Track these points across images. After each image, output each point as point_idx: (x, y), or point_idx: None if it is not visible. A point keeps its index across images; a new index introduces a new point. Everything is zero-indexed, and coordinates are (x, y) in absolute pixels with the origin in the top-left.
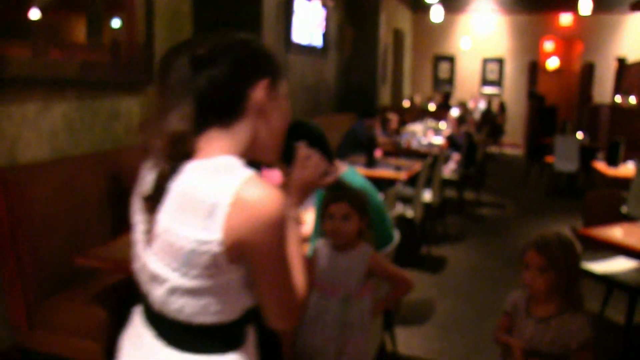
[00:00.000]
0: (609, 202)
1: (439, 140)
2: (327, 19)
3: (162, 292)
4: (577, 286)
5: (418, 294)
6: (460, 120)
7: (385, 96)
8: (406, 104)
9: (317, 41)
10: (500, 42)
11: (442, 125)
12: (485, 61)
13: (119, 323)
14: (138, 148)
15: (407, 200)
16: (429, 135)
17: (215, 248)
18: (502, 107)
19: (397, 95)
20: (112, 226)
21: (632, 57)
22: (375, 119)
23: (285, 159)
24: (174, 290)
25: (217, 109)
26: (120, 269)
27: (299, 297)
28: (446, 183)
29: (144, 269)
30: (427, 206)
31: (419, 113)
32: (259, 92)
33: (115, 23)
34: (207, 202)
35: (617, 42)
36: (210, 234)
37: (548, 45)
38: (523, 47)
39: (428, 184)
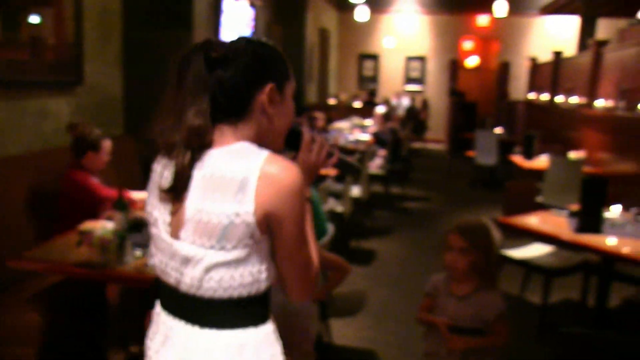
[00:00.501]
0: (526, 193)
1: (365, 137)
2: (256, 18)
3: (198, 272)
4: (493, 266)
5: (350, 286)
6: (386, 117)
7: (311, 94)
8: (332, 101)
9: None
10: (423, 41)
11: (368, 122)
12: (409, 59)
13: (53, 327)
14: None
15: (336, 196)
16: (355, 132)
17: (249, 218)
18: (425, 104)
19: (323, 93)
20: (40, 228)
21: (542, 57)
22: (303, 117)
23: (289, 144)
24: (211, 267)
25: (226, 108)
26: (57, 270)
27: (315, 269)
28: (373, 178)
29: (174, 256)
30: (355, 201)
31: (345, 111)
32: (263, 96)
33: (37, 20)
34: (237, 179)
35: (529, 43)
36: (243, 206)
37: (467, 45)
38: (444, 46)
39: (356, 179)
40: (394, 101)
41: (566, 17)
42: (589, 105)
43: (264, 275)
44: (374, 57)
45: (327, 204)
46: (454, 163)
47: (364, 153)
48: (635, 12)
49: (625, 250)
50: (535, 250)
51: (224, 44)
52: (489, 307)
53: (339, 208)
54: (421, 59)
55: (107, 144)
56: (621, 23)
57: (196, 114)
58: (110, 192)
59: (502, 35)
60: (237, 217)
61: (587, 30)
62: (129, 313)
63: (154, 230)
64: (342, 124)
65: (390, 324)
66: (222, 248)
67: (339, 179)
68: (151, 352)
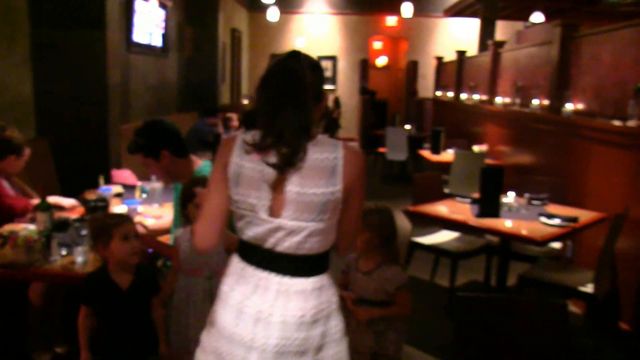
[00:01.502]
0: (433, 184)
1: None
2: (167, 19)
3: (300, 239)
4: (392, 243)
5: None
6: None
7: (225, 95)
8: (245, 102)
9: (157, 41)
10: (333, 41)
11: None
12: (320, 59)
13: None
14: None
15: None
16: None
17: (339, 194)
18: (337, 102)
19: (236, 94)
20: None
21: (448, 57)
22: (217, 117)
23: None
24: (311, 234)
25: (316, 101)
26: None
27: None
28: None
29: (277, 230)
30: None
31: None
32: (326, 96)
33: None
34: (328, 166)
35: (436, 43)
36: (335, 186)
37: (377, 45)
38: (354, 46)
39: None
40: None
41: (468, 19)
42: (490, 101)
43: (333, 237)
44: None
45: None
46: (366, 159)
47: None
48: (529, 16)
49: (520, 231)
50: (442, 237)
51: (306, 55)
52: (390, 280)
53: None
54: (332, 58)
55: (27, 150)
56: (518, 25)
57: (308, 110)
58: (17, 202)
59: (410, 36)
60: (331, 195)
61: (487, 32)
62: (53, 314)
63: (248, 214)
64: None
65: None
66: (320, 220)
67: None
68: (239, 297)
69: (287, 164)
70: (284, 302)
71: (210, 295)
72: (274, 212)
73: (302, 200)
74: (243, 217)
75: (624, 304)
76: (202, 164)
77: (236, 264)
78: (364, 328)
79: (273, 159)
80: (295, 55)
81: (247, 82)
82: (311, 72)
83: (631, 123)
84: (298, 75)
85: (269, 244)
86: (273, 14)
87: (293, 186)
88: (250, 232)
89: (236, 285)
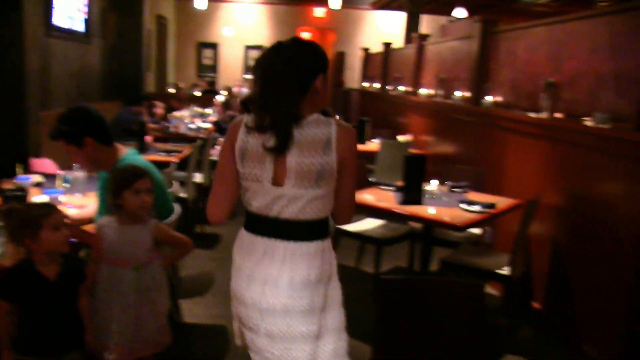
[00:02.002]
0: (358, 172)
1: (206, 125)
2: (90, 4)
3: (301, 205)
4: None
5: (197, 269)
6: (225, 105)
7: (150, 83)
8: (171, 90)
9: (80, 26)
10: (262, 30)
11: (209, 110)
12: (248, 48)
13: None
14: None
15: (180, 183)
16: (196, 120)
17: (333, 165)
18: None
19: (162, 82)
20: None
21: (374, 48)
22: (142, 106)
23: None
24: (311, 201)
25: (301, 90)
26: None
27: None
28: (216, 165)
29: (280, 197)
30: (199, 187)
31: (184, 99)
32: (317, 82)
33: None
34: (323, 139)
35: (363, 34)
36: (329, 157)
37: (305, 35)
38: (282, 36)
39: (199, 166)
40: (236, 89)
41: (395, 12)
42: (414, 93)
43: (331, 204)
44: (213, 46)
45: (171, 189)
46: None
47: (205, 140)
48: (452, 11)
49: (442, 217)
50: (367, 224)
51: (290, 46)
52: None
53: (183, 194)
54: (261, 48)
55: None
56: (443, 20)
57: (291, 99)
58: None
59: (338, 27)
60: (326, 165)
61: (412, 25)
62: None
63: (254, 184)
64: (182, 113)
65: None
66: (318, 187)
67: (181, 166)
68: (250, 264)
69: (283, 146)
70: (290, 264)
71: (138, 287)
72: (277, 181)
73: (301, 169)
74: (249, 189)
75: (537, 284)
76: (126, 152)
77: (245, 237)
78: None
79: (271, 141)
80: (278, 47)
81: (173, 70)
82: (288, 65)
83: (543, 115)
84: (274, 69)
85: (274, 212)
86: (201, 2)
87: (293, 157)
88: (256, 203)
89: (246, 256)
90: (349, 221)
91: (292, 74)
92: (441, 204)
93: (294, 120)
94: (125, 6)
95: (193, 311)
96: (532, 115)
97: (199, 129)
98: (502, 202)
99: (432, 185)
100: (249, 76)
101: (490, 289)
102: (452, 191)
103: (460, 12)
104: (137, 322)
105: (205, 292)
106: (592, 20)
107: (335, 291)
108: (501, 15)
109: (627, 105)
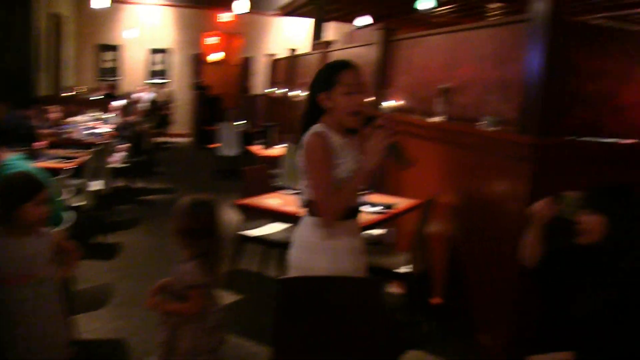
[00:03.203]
0: (262, 177)
1: (104, 131)
2: None
3: (304, 188)
4: (203, 239)
5: (95, 281)
6: (125, 110)
7: (43, 85)
8: (69, 93)
9: None
10: (167, 33)
11: (108, 115)
12: (152, 52)
13: None
14: None
15: (77, 191)
16: (94, 125)
17: (302, 164)
18: (170, 97)
19: (58, 84)
20: None
21: (281, 54)
22: (33, 109)
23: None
24: (306, 187)
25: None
26: None
27: (327, 203)
28: (117, 172)
29: None
30: (98, 195)
31: (83, 103)
32: (320, 99)
33: None
34: (302, 146)
35: (269, 40)
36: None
37: (211, 39)
38: (188, 39)
39: (98, 173)
40: (137, 94)
41: (301, 18)
42: None
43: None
44: (115, 48)
45: (65, 197)
46: (199, 155)
47: (103, 147)
48: (356, 19)
49: None
50: (271, 228)
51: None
52: (183, 277)
53: (79, 202)
54: (165, 51)
55: None
56: (349, 27)
57: (303, 115)
58: None
59: (245, 32)
60: (300, 163)
61: (318, 32)
62: None
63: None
64: (80, 117)
65: (138, 312)
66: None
67: (76, 173)
68: (350, 243)
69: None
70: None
71: (33, 305)
72: None
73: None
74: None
75: (436, 281)
76: (11, 156)
77: (341, 225)
78: (163, 320)
79: None
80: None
81: (71, 73)
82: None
83: (438, 119)
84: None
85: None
86: (100, 1)
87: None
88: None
89: (347, 237)
90: (327, 216)
91: (308, 96)
92: None
93: (302, 131)
94: (13, 2)
95: (91, 326)
96: (428, 119)
97: (96, 135)
98: (403, 203)
99: None
100: (153, 81)
101: (395, 288)
102: None
103: (364, 20)
104: (41, 339)
105: (104, 305)
106: (481, 31)
107: None
108: (403, 24)
109: (511, 110)
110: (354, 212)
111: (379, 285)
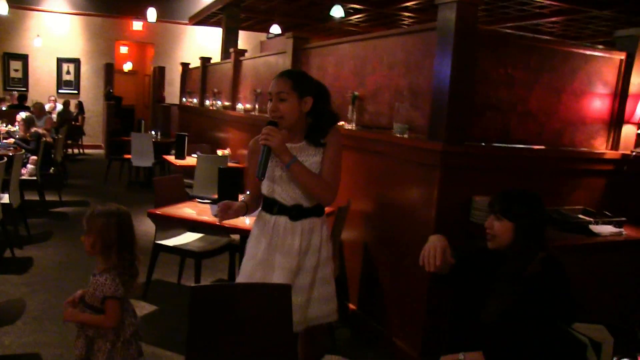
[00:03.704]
0: (174, 186)
1: (10, 142)
2: None
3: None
4: (117, 250)
5: (7, 295)
6: (29, 121)
7: None
8: None
9: None
10: (76, 42)
11: (15, 127)
12: (60, 61)
13: None
14: None
15: None
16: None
17: None
18: (81, 107)
19: None
20: None
21: (195, 63)
22: None
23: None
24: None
25: None
26: None
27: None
28: (26, 185)
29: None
30: (6, 209)
31: None
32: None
33: None
34: None
35: (182, 49)
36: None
37: (123, 49)
38: (99, 49)
39: (6, 186)
40: (46, 105)
41: (213, 28)
42: (233, 107)
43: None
44: (22, 57)
45: None
46: (112, 167)
47: (11, 159)
48: (269, 29)
49: None
50: (186, 238)
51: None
52: (98, 289)
53: None
54: (75, 61)
55: None
56: (262, 36)
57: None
58: None
59: (157, 41)
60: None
61: (229, 41)
62: None
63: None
64: None
65: (52, 326)
66: None
67: None
68: (265, 236)
69: None
70: None
71: None
72: None
73: None
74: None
75: (351, 286)
76: None
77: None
78: (79, 332)
79: None
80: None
81: None
82: None
83: (350, 127)
84: None
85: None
86: (1, 8)
87: None
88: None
89: (261, 227)
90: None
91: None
92: (257, 214)
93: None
94: None
95: (3, 340)
96: (346, 126)
97: (4, 146)
98: None
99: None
100: (63, 91)
101: None
102: None
103: (276, 29)
104: None
105: (15, 320)
106: (391, 39)
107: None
108: (316, 33)
109: (421, 117)
110: None
111: (288, 289)
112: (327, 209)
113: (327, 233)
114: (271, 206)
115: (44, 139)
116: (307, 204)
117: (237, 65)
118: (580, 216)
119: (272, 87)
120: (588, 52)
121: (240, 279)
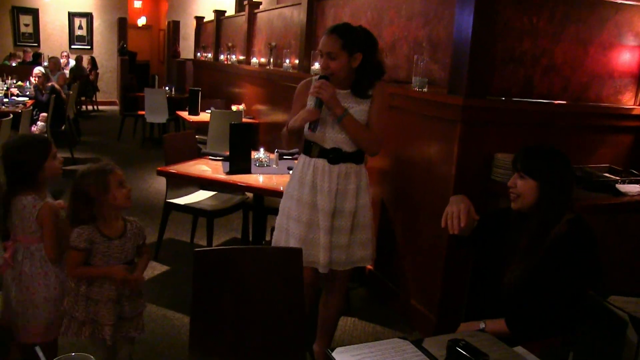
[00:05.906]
0: (187, 143)
1: (23, 99)
2: None
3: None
4: (84, 206)
5: None
6: (45, 77)
7: None
8: None
9: None
10: None
11: (28, 83)
12: (72, 15)
13: None
14: None
15: None
16: (10, 93)
17: None
18: (94, 63)
19: None
20: None
21: (208, 17)
22: None
23: None
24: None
25: None
26: None
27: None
28: None
29: None
30: None
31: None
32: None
33: None
34: None
35: (196, 3)
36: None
37: (137, 3)
38: (111, 2)
39: None
40: (62, 61)
41: None
42: (247, 61)
43: None
44: (32, 11)
45: None
46: (126, 124)
47: (21, 115)
48: None
49: (272, 184)
50: (198, 196)
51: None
52: (137, 236)
53: None
54: (87, 15)
55: None
56: None
57: None
58: None
59: None
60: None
61: None
62: None
63: None
64: None
65: None
66: None
67: None
68: (307, 178)
69: None
70: None
71: None
72: None
73: None
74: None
75: None
76: None
77: (303, 159)
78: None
79: None
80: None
81: None
82: None
83: None
84: None
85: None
86: None
87: None
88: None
89: (304, 172)
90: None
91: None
92: (270, 171)
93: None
94: None
95: None
96: None
97: (13, 103)
98: None
99: (260, 152)
100: (76, 46)
101: None
102: (283, 158)
103: None
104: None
105: None
106: None
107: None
108: None
109: (439, 70)
110: None
111: (299, 253)
112: None
113: (366, 181)
114: (311, 149)
115: (59, 94)
116: (347, 149)
117: (252, 18)
118: (606, 174)
119: (323, 46)
120: (618, 1)
121: (281, 219)
